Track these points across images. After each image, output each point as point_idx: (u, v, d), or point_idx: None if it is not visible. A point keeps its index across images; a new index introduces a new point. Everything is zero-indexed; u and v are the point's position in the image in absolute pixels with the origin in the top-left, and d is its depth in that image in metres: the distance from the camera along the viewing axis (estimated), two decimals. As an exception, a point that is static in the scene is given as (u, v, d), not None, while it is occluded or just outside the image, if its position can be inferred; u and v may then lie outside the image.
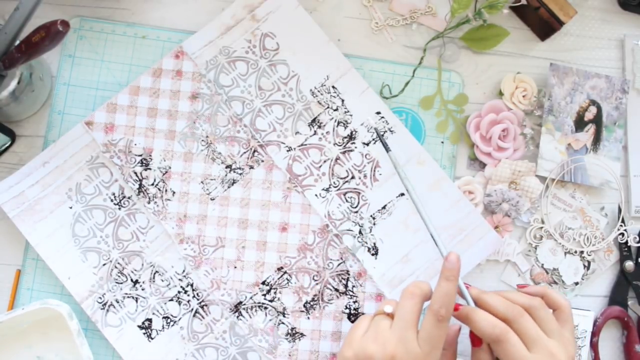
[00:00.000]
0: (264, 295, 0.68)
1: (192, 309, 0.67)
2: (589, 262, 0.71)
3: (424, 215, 0.61)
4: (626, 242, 0.70)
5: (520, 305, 0.57)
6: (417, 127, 0.71)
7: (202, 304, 0.67)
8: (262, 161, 0.69)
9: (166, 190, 0.68)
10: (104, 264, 0.67)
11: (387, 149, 0.65)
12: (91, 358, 0.63)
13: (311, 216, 0.68)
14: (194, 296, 0.67)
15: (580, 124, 0.71)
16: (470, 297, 0.58)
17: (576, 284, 0.70)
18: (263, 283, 0.68)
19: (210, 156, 0.69)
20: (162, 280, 0.67)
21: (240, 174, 0.69)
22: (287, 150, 0.69)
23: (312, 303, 0.68)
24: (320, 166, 0.69)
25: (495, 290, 0.60)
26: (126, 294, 0.67)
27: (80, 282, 0.66)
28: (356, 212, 0.69)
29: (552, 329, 0.56)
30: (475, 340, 0.58)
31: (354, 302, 0.68)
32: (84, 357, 0.63)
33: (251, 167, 0.69)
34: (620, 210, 0.71)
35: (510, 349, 0.54)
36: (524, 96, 0.71)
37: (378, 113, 0.70)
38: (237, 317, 0.67)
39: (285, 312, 0.67)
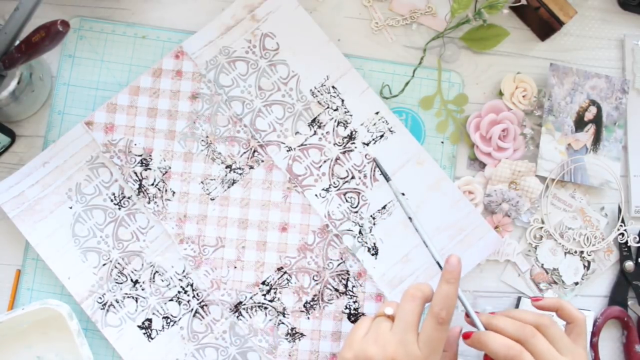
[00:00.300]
0: (264, 295, 0.68)
1: (192, 309, 0.67)
2: (589, 262, 0.71)
3: (428, 242, 0.60)
4: (626, 242, 0.70)
5: (530, 325, 0.56)
6: (417, 127, 0.71)
7: (202, 304, 0.67)
8: (262, 161, 0.69)
9: (166, 190, 0.68)
10: (104, 264, 0.67)
11: (387, 179, 0.65)
12: (91, 358, 0.63)
13: (311, 216, 0.68)
14: (194, 296, 0.67)
15: (580, 124, 0.71)
16: (480, 323, 0.58)
17: (576, 284, 0.70)
18: (263, 283, 0.68)
19: (210, 156, 0.69)
20: (162, 280, 0.67)
21: (240, 174, 0.69)
22: (287, 150, 0.69)
23: (312, 303, 0.68)
24: (320, 166, 0.69)
25: (503, 311, 0.60)
26: (126, 294, 0.67)
27: (80, 282, 0.66)
28: (356, 212, 0.69)
29: (565, 346, 0.56)
30: None
31: (354, 302, 0.68)
32: (84, 357, 0.63)
33: (251, 167, 0.69)
34: (620, 210, 0.71)
35: None
36: (524, 96, 0.71)
37: (378, 113, 0.70)
38: (237, 317, 0.67)
39: (285, 312, 0.67)
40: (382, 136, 0.69)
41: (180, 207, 0.68)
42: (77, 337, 0.63)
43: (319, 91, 0.70)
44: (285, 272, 0.68)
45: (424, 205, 0.69)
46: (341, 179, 0.69)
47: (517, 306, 0.69)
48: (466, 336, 0.58)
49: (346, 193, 0.69)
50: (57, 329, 0.65)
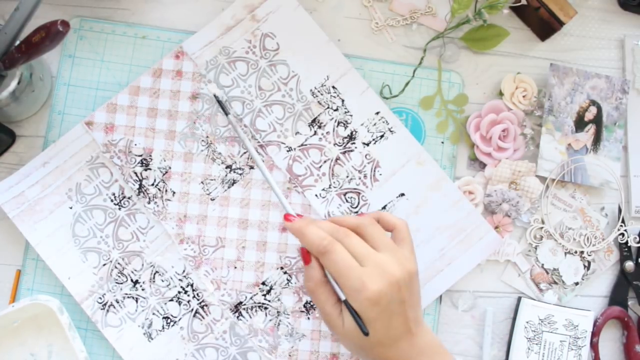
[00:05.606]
0: (264, 295, 0.68)
1: (192, 309, 0.67)
2: (589, 262, 0.71)
3: (269, 177, 0.64)
4: (626, 242, 0.70)
5: (348, 226, 0.59)
6: (417, 127, 0.71)
7: (202, 304, 0.67)
8: (262, 161, 0.69)
9: (166, 191, 0.68)
10: (104, 264, 0.67)
11: (226, 113, 0.66)
12: (84, 351, 0.62)
13: (311, 216, 0.68)
14: (194, 296, 0.67)
15: (580, 124, 0.71)
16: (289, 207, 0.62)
17: (576, 284, 0.70)
18: (263, 283, 0.68)
19: (210, 156, 0.69)
20: (162, 281, 0.67)
21: (241, 174, 0.69)
22: (287, 151, 0.69)
23: (312, 303, 0.68)
24: (320, 166, 0.69)
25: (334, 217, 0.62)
26: (126, 294, 0.67)
27: (80, 282, 0.66)
28: (356, 212, 0.69)
29: (383, 244, 0.57)
30: (306, 256, 0.59)
31: (354, 302, 0.68)
32: (76, 351, 0.62)
33: (251, 168, 0.69)
34: (620, 210, 0.71)
35: (336, 258, 0.55)
36: (524, 96, 0.71)
37: (378, 113, 0.70)
38: (237, 317, 0.67)
39: (285, 312, 0.67)
40: (382, 136, 0.69)
41: (180, 207, 0.68)
42: (68, 331, 0.62)
43: (319, 91, 0.70)
44: (285, 272, 0.68)
45: (424, 205, 0.69)
46: (341, 179, 0.69)
47: (517, 306, 0.69)
48: (286, 218, 0.60)
49: (346, 193, 0.69)
50: (49, 326, 0.65)
